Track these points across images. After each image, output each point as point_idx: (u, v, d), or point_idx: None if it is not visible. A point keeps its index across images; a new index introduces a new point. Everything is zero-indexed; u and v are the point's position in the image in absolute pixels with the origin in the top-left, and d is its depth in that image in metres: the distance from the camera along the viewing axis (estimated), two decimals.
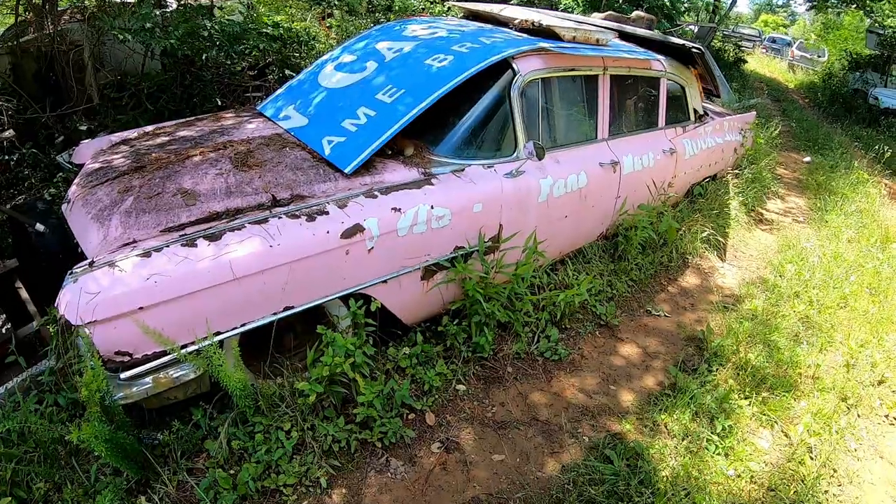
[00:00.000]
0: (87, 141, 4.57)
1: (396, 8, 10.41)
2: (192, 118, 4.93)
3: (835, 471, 4.00)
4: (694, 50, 6.29)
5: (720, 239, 6.84)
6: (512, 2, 11.32)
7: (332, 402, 3.65)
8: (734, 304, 5.74)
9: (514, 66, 4.41)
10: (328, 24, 10.38)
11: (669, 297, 5.76)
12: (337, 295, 3.56)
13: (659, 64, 6.08)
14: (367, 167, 3.90)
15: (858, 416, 4.56)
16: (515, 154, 4.46)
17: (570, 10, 10.12)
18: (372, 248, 3.56)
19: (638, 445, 3.81)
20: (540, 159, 4.47)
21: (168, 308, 2.97)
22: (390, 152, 4.15)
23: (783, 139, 13.45)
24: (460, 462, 3.65)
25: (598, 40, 5.24)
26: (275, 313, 3.32)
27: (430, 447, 3.72)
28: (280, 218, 3.36)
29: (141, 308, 2.90)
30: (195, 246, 3.11)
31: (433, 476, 3.53)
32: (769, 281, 6.18)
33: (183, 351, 3.06)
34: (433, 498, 3.41)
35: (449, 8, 9.75)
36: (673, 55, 6.51)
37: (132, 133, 4.60)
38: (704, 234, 6.59)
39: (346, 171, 3.79)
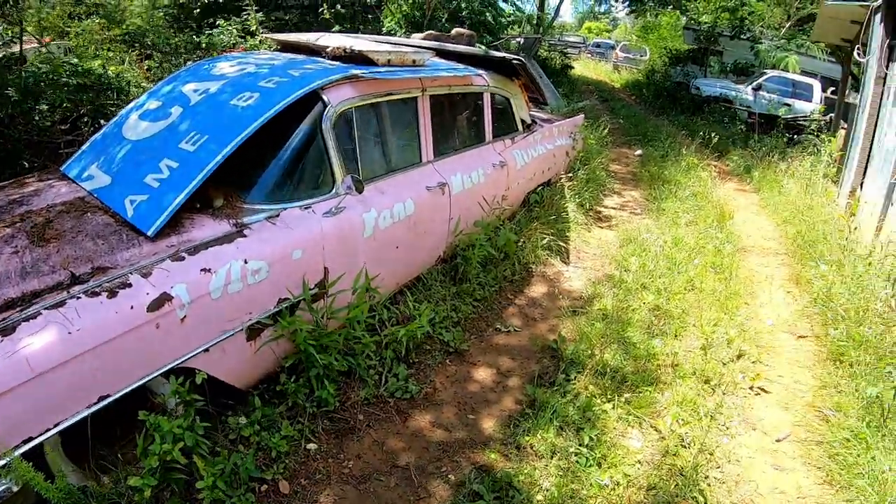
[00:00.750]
0: None
1: (204, 45, 9.94)
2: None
3: (711, 454, 3.96)
4: (514, 61, 6.28)
5: (561, 243, 6.84)
6: (334, 29, 11.11)
7: (175, 489, 3.28)
8: (584, 306, 5.70)
9: (323, 97, 4.16)
10: (146, 67, 9.81)
11: (518, 311, 5.64)
12: (155, 374, 3.13)
13: (481, 79, 6.02)
14: (173, 226, 3.48)
15: (724, 394, 4.58)
16: (334, 190, 4.18)
17: (393, 32, 10.00)
18: (185, 316, 3.17)
19: (506, 475, 3.61)
20: (360, 193, 4.22)
21: None
22: (199, 206, 3.73)
23: (614, 136, 13.99)
24: None
25: (414, 61, 5.10)
26: (90, 406, 2.86)
27: None
28: (78, 298, 2.91)
29: None
30: None
31: None
32: (615, 277, 6.20)
33: None
34: None
35: (261, 41, 9.44)
36: (496, 68, 6.50)
37: None
38: (545, 241, 6.55)
39: (149, 233, 3.37)
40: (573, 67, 25.19)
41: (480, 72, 6.10)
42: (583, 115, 9.20)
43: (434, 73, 5.24)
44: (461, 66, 6.00)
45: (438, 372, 4.65)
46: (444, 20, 10.51)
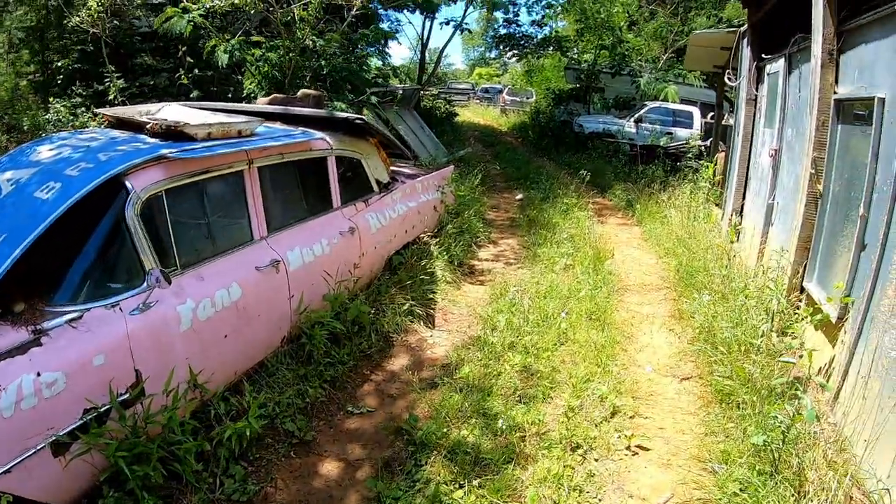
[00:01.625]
0: None
1: (25, 127, 9.42)
2: None
3: None
4: (357, 121, 5.96)
5: (425, 307, 6.44)
6: (192, 94, 10.69)
7: None
8: (445, 376, 5.25)
9: (126, 183, 3.74)
10: None
11: (375, 388, 5.16)
12: None
13: (322, 142, 5.68)
14: None
15: (596, 460, 4.16)
16: (145, 285, 3.73)
17: (253, 95, 9.61)
18: None
19: None
20: (170, 283, 3.79)
21: None
22: (1, 311, 3.32)
23: (496, 182, 13.85)
24: None
25: (240, 132, 4.72)
26: None
27: None
28: None
29: None
30: None
31: None
32: (481, 339, 5.79)
33: None
34: None
35: (94, 116, 8.95)
36: (344, 129, 6.18)
37: None
38: (406, 307, 6.15)
39: None
40: (457, 115, 25.22)
41: (322, 135, 5.76)
42: (452, 167, 8.94)
43: (264, 142, 4.86)
44: (298, 131, 5.62)
45: (281, 467, 4.10)
46: (307, 79, 10.19)
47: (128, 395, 3.55)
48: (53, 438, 3.17)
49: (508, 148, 20.37)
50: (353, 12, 10.41)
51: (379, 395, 5.05)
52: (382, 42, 17.97)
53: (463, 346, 5.72)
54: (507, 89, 37.78)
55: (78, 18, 9.85)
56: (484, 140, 22.29)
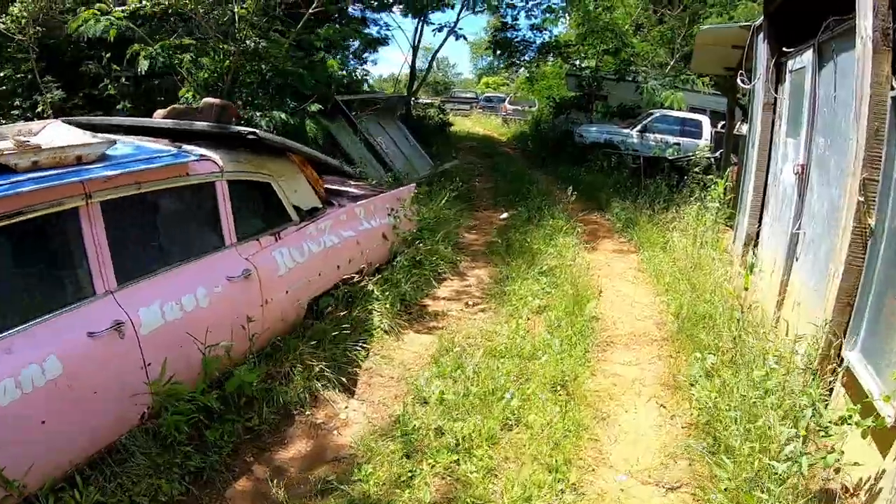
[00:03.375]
0: None
1: None
2: None
3: None
4: (249, 136, 4.69)
5: (346, 368, 5.03)
6: (118, 105, 9.85)
7: None
8: (342, 476, 3.84)
9: None
10: None
11: (251, 487, 3.78)
12: None
13: (207, 164, 4.46)
14: None
15: None
16: None
17: (187, 100, 8.37)
18: None
19: None
20: None
21: None
22: None
23: (483, 198, 12.47)
24: None
25: (79, 157, 3.72)
26: None
27: None
28: None
29: None
30: None
31: None
32: (402, 420, 4.33)
33: None
34: None
35: None
36: (252, 146, 5.02)
37: None
38: (317, 370, 4.74)
39: None
40: (452, 125, 23.94)
41: (210, 155, 4.54)
42: (413, 186, 7.47)
43: (110, 170, 3.77)
44: (171, 150, 4.40)
45: None
46: (253, 85, 8.90)
47: None
48: None
49: (506, 159, 19.11)
50: (311, 10, 9.14)
51: (256, 499, 3.68)
52: (362, 48, 16.71)
53: (377, 432, 4.28)
54: (508, 98, 36.92)
55: (2, 25, 8.68)
56: (481, 151, 20.85)
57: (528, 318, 6.00)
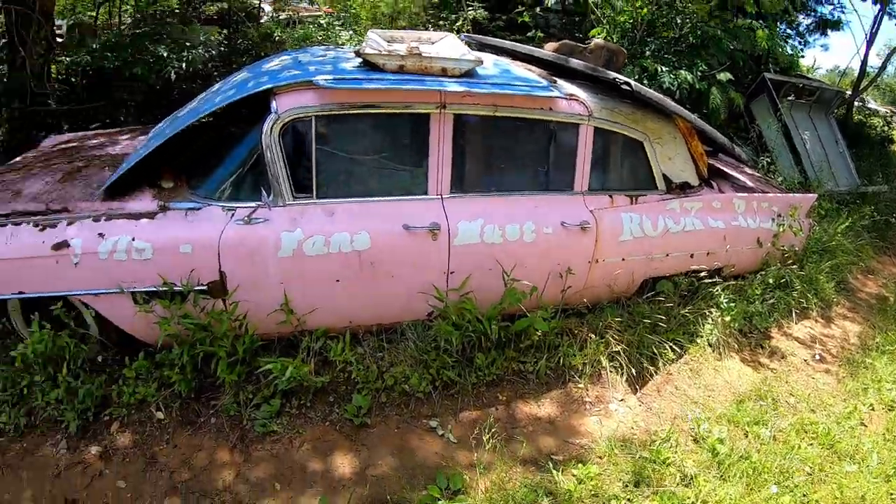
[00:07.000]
0: (50, 136, 5.35)
1: (298, 35, 9.46)
2: (117, 130, 5.57)
3: None
4: (623, 86, 4.46)
5: (643, 363, 4.63)
6: (529, 34, 10.35)
7: None
8: (561, 465, 3.69)
9: (272, 103, 3.82)
10: None
11: (479, 420, 3.99)
12: (53, 294, 3.71)
13: (576, 105, 4.38)
14: (124, 193, 3.94)
15: None
16: (261, 201, 3.86)
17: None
18: (77, 262, 3.63)
19: None
20: (282, 206, 3.90)
21: None
22: (160, 183, 4.08)
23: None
24: None
25: (444, 70, 4.06)
26: (12, 294, 3.68)
27: None
28: (22, 224, 3.66)
29: None
30: None
31: None
32: (659, 447, 3.86)
33: None
34: None
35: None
36: (630, 96, 4.77)
37: (73, 136, 5.35)
38: (609, 350, 4.50)
39: (98, 192, 3.93)
40: (894, 141, 20.54)
41: (582, 96, 4.47)
42: (814, 196, 6.17)
43: (473, 87, 4.02)
44: (541, 83, 4.38)
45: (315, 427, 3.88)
46: (667, 38, 8.61)
47: (204, 287, 3.83)
48: (133, 290, 3.76)
49: None
50: None
51: (471, 427, 4.00)
52: (812, 26, 15.05)
53: (630, 440, 4.00)
54: None
55: None
56: None
57: (873, 409, 4.78)
